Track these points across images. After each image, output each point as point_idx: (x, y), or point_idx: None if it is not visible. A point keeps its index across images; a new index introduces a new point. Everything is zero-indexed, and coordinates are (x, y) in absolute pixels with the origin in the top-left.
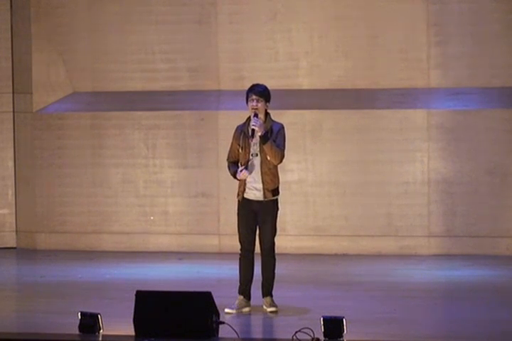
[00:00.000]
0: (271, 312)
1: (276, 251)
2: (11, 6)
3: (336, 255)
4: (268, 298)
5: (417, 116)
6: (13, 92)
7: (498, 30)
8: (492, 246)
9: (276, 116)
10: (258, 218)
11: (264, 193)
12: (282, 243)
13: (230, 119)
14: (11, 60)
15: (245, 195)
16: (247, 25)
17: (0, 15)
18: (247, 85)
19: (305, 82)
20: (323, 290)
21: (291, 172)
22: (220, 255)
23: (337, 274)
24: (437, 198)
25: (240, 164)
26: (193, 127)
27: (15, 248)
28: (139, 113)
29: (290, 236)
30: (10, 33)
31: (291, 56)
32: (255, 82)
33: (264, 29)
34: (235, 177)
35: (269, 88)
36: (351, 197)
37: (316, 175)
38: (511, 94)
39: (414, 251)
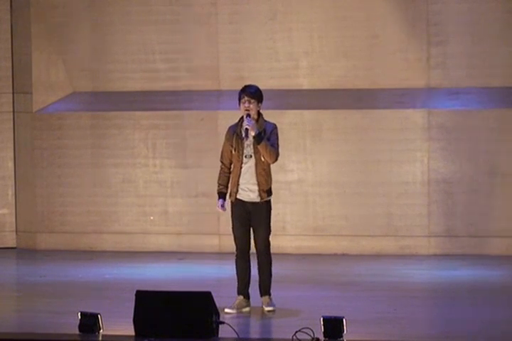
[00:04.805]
0: (268, 311)
1: (275, 250)
2: (11, 6)
3: (335, 255)
4: (266, 297)
5: (417, 116)
6: (13, 92)
7: (497, 30)
8: (492, 246)
9: (276, 116)
10: (252, 219)
11: (259, 194)
12: (282, 243)
13: (230, 119)
14: (11, 60)
15: (238, 196)
16: (247, 25)
17: (0, 15)
18: None
19: (305, 82)
20: (323, 290)
21: (291, 172)
22: (220, 255)
23: (337, 274)
24: (437, 198)
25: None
26: (193, 127)
27: (15, 248)
28: (139, 113)
29: (290, 236)
30: (10, 33)
31: (291, 56)
32: (250, 83)
33: (264, 29)
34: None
35: (261, 89)
36: (351, 197)
37: (316, 175)
38: (511, 94)
39: (414, 251)
